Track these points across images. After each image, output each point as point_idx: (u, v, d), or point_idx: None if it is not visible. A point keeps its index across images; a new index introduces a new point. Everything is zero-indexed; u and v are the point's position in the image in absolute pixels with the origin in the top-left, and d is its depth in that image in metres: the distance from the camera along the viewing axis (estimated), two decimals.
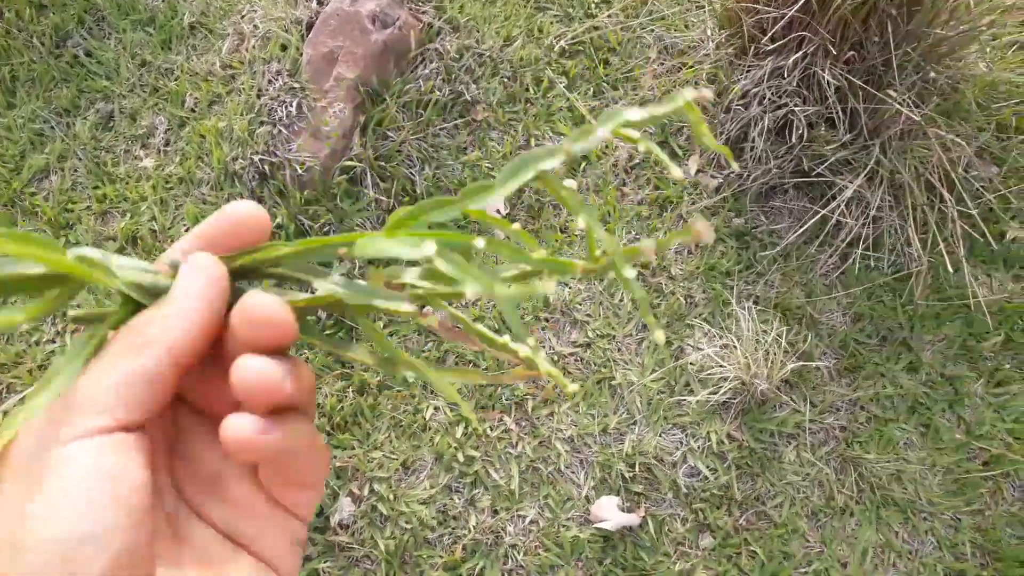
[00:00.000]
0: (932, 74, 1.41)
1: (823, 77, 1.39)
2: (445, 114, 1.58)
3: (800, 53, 1.38)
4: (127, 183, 1.52)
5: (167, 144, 1.56)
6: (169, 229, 1.47)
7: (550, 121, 1.62)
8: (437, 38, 1.61)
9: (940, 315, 1.40)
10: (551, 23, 1.73)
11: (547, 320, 1.39)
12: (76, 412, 0.25)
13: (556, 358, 1.33)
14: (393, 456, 1.26)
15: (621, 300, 1.41)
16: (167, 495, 0.29)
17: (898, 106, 1.35)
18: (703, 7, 1.69)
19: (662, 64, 1.67)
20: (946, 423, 1.29)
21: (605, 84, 1.67)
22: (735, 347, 1.28)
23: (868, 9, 1.34)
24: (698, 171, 1.59)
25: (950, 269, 1.37)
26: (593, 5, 1.76)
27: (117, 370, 0.26)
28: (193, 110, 1.58)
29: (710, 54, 1.61)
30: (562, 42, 1.70)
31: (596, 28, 1.73)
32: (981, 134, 1.58)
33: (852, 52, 1.40)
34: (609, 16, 1.75)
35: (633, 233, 1.50)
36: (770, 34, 1.46)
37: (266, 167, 1.42)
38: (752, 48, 1.48)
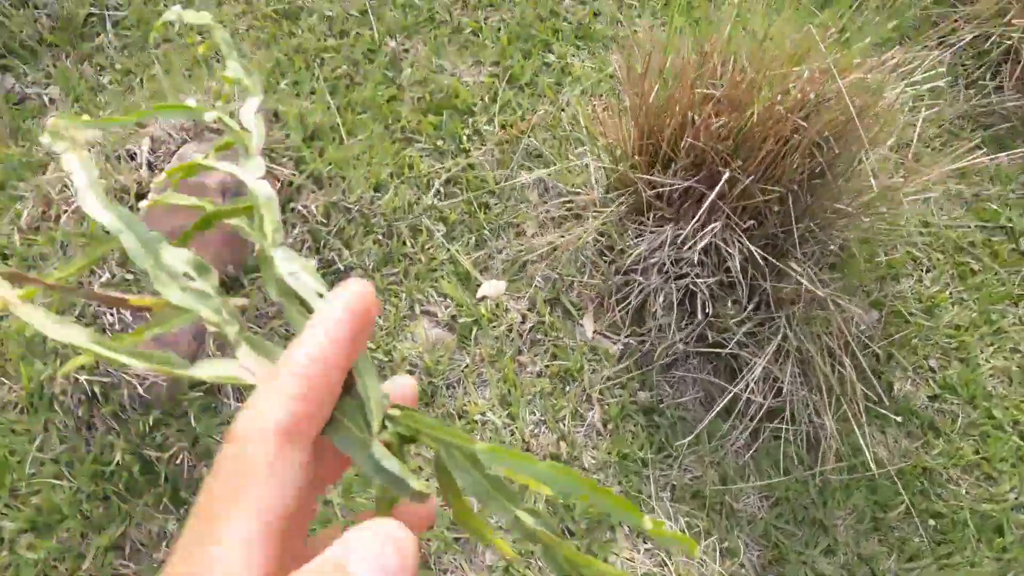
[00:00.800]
0: (832, 246, 1.39)
1: (724, 249, 1.33)
2: None
3: (709, 228, 1.31)
4: None
5: None
6: None
7: (433, 280, 1.45)
8: (299, 197, 1.38)
9: (849, 485, 1.38)
10: (420, 157, 1.56)
11: (456, 540, 1.22)
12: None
13: None
14: None
15: (535, 502, 1.27)
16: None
17: (800, 279, 1.32)
18: (585, 150, 1.58)
19: (548, 212, 1.55)
20: None
21: (487, 232, 1.52)
22: (666, 564, 1.18)
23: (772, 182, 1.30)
24: (595, 333, 1.48)
25: (857, 434, 1.36)
26: (465, 139, 1.60)
27: None
28: None
29: (598, 207, 1.50)
30: (437, 184, 1.53)
31: (471, 167, 1.58)
32: (864, 283, 1.60)
33: (752, 221, 1.35)
34: (483, 153, 1.60)
35: (538, 414, 1.37)
36: (666, 200, 1.38)
37: (95, 388, 1.14)
38: (651, 215, 1.39)
